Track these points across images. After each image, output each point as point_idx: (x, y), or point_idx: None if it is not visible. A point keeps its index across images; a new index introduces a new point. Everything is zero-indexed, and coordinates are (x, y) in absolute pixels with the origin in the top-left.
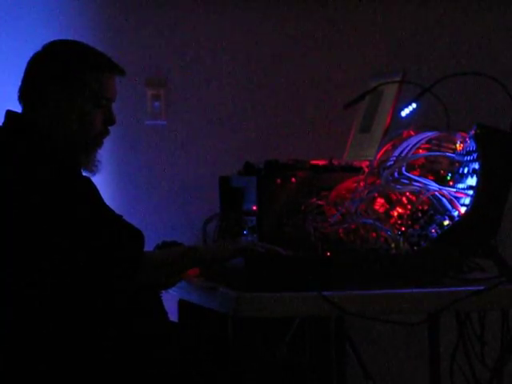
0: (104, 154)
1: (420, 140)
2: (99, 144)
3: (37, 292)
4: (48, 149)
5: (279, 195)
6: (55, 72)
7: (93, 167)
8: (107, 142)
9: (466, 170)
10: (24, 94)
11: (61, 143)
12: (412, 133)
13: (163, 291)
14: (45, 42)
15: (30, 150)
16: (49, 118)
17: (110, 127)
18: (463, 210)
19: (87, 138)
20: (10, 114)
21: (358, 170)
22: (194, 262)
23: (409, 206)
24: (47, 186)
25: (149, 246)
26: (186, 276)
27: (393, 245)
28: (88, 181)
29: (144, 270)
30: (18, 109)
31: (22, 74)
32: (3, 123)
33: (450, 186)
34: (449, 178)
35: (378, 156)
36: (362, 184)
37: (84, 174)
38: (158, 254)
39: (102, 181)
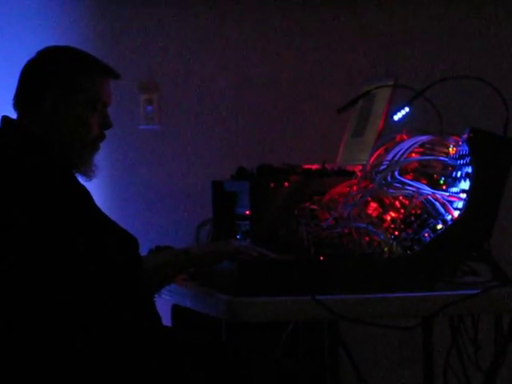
0: (97, 158)
1: (413, 144)
2: (96, 148)
3: (37, 296)
4: (42, 154)
5: (272, 200)
6: (49, 77)
7: (90, 172)
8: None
9: (459, 174)
10: (19, 100)
11: (56, 148)
12: (405, 137)
13: (156, 295)
14: (37, 48)
15: (23, 156)
16: (44, 122)
17: (105, 131)
18: (456, 213)
19: (83, 141)
20: (4, 119)
21: (351, 174)
22: (185, 265)
23: (402, 210)
24: (41, 191)
25: (141, 251)
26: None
27: (386, 249)
28: (82, 186)
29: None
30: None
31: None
32: None
33: (443, 190)
34: (442, 181)
35: (371, 160)
36: (354, 188)
37: (80, 179)
38: (149, 258)
39: (95, 185)
